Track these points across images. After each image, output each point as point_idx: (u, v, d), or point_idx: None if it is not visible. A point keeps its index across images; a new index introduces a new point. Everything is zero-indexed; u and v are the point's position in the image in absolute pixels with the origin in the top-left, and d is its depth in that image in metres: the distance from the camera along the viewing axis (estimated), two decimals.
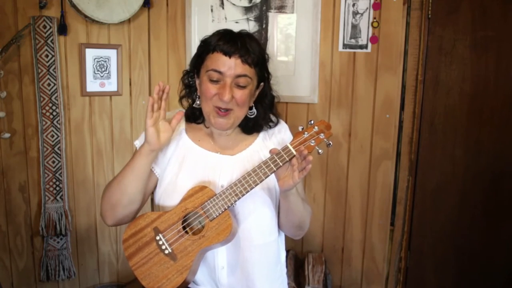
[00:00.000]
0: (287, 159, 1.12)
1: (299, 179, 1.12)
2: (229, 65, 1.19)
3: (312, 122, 1.16)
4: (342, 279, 2.29)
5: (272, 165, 1.13)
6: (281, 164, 1.13)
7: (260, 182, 1.14)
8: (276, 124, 1.36)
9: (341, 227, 2.26)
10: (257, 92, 1.30)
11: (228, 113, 1.22)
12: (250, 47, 1.21)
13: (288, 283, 1.43)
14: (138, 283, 1.21)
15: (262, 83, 1.30)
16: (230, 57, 1.19)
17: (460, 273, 2.22)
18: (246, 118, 1.30)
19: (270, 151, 1.14)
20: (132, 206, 1.25)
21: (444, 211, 2.20)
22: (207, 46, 1.23)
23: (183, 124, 1.34)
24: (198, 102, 1.29)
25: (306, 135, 1.14)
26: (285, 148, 1.13)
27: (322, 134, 1.14)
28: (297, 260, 2.25)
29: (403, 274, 2.28)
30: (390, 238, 2.23)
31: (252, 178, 1.14)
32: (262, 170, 1.13)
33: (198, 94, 1.29)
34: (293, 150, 1.12)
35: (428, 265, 2.26)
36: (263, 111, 1.32)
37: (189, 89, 1.35)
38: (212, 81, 1.21)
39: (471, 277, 2.21)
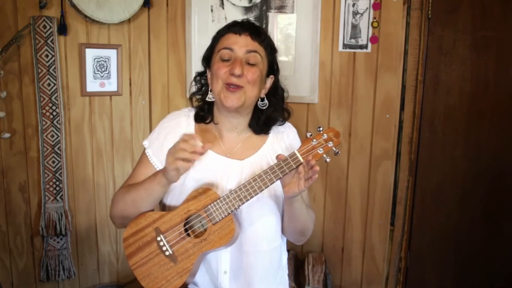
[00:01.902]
0: (294, 166, 1.10)
1: (305, 187, 1.10)
2: (239, 42, 1.22)
3: (321, 129, 1.13)
4: (342, 279, 2.29)
5: (278, 172, 1.11)
6: (287, 171, 1.10)
7: (265, 188, 1.12)
8: (284, 121, 1.36)
9: (341, 227, 2.26)
10: (268, 83, 1.30)
11: (239, 89, 1.21)
12: (259, 29, 1.27)
13: (288, 283, 1.43)
14: (138, 283, 1.21)
15: (272, 76, 1.31)
16: (240, 35, 1.23)
17: (460, 273, 2.22)
18: (257, 113, 1.30)
19: (277, 157, 1.12)
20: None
21: (444, 211, 2.20)
22: (218, 34, 1.28)
23: (192, 125, 1.32)
24: (210, 95, 1.28)
25: (314, 142, 1.12)
26: (293, 155, 1.11)
27: (330, 142, 1.12)
28: (297, 260, 2.25)
29: (403, 274, 2.28)
30: (390, 238, 2.23)
31: (257, 184, 1.12)
32: (268, 176, 1.11)
33: (210, 88, 1.28)
34: (300, 158, 1.10)
35: (428, 265, 2.26)
36: (276, 103, 1.32)
37: (201, 87, 1.36)
38: (223, 60, 1.23)
39: (471, 277, 2.21)
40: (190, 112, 1.34)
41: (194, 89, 1.38)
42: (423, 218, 2.23)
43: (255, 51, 1.23)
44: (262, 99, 1.29)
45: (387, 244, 2.22)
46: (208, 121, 1.32)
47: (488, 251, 2.16)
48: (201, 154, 1.10)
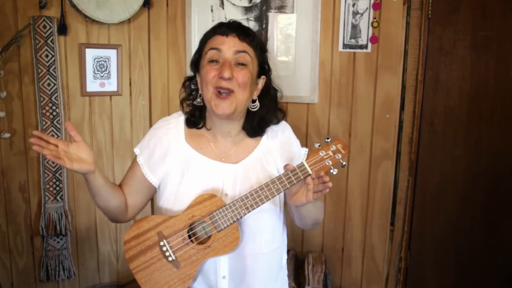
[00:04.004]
0: (302, 177, 1.09)
1: (314, 199, 1.09)
2: (227, 43, 1.19)
3: (329, 139, 1.12)
4: (342, 279, 2.29)
5: (285, 182, 1.10)
6: (295, 181, 1.10)
7: (272, 197, 1.11)
8: (278, 122, 1.34)
9: (341, 227, 2.25)
10: (259, 84, 1.27)
11: (229, 95, 1.17)
12: (247, 29, 1.24)
13: (288, 283, 1.43)
14: (138, 284, 1.20)
15: (264, 76, 1.27)
16: (227, 36, 1.19)
17: (460, 273, 2.22)
18: (251, 116, 1.27)
19: (285, 167, 1.11)
20: (122, 214, 1.28)
21: (444, 211, 2.20)
22: (205, 36, 1.25)
23: (182, 132, 1.29)
24: (199, 99, 1.26)
25: (322, 154, 1.10)
26: (301, 166, 1.10)
27: (338, 155, 1.11)
28: (297, 260, 2.25)
29: (403, 274, 2.28)
30: (390, 238, 2.23)
31: (264, 193, 1.11)
32: (275, 186, 1.10)
33: (200, 92, 1.26)
34: (308, 169, 1.09)
35: (428, 265, 2.26)
36: (268, 104, 1.29)
37: (191, 92, 1.33)
38: (211, 61, 1.19)
39: (471, 277, 2.20)
40: (180, 117, 1.31)
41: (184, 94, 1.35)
42: (423, 218, 2.23)
43: (244, 51, 1.19)
44: (254, 101, 1.26)
45: (387, 244, 2.22)
46: (200, 126, 1.29)
47: (488, 251, 2.16)
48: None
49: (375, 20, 2.06)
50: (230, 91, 1.17)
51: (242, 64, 1.19)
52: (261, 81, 1.28)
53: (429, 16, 2.07)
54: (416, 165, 2.19)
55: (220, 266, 1.22)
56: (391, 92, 2.11)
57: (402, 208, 2.22)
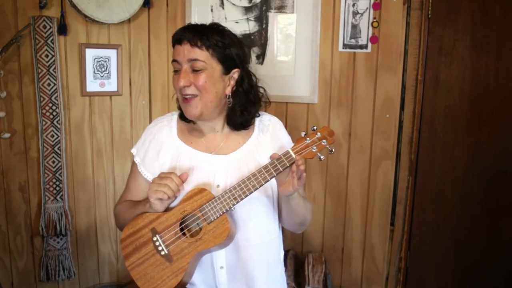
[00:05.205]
0: (287, 164, 1.12)
1: (299, 186, 1.12)
2: (182, 52, 1.20)
3: (315, 128, 1.14)
4: (342, 279, 2.29)
5: (272, 170, 1.12)
6: (281, 169, 1.12)
7: (260, 186, 1.13)
8: (258, 108, 1.33)
9: (341, 227, 2.26)
10: (232, 79, 1.26)
11: (194, 99, 1.21)
12: (201, 32, 1.21)
13: (288, 283, 1.43)
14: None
15: (236, 69, 1.25)
16: (181, 44, 1.21)
17: (460, 273, 2.22)
18: (231, 110, 1.27)
19: (271, 156, 1.14)
20: None
21: (444, 211, 2.20)
22: (172, 44, 1.27)
23: (174, 129, 1.33)
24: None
25: (308, 141, 1.13)
26: (286, 154, 1.12)
27: (324, 141, 1.13)
28: (297, 260, 2.25)
29: (403, 274, 2.28)
30: (390, 238, 2.23)
31: (251, 183, 1.13)
32: (262, 175, 1.13)
33: None
34: (294, 156, 1.11)
35: (428, 265, 2.26)
36: (243, 94, 1.27)
37: None
38: (175, 72, 1.23)
39: (471, 277, 2.21)
40: (173, 116, 1.35)
41: None
42: (423, 218, 2.23)
43: (194, 59, 1.19)
44: (229, 97, 1.26)
45: (387, 244, 2.22)
46: (189, 120, 1.31)
47: (488, 251, 2.16)
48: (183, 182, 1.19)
49: (375, 20, 2.06)
50: (193, 95, 1.21)
51: (197, 70, 1.20)
52: (236, 73, 1.26)
53: (429, 16, 2.07)
54: (416, 165, 2.19)
55: (216, 257, 1.24)
56: (391, 92, 2.11)
57: (402, 208, 2.23)
